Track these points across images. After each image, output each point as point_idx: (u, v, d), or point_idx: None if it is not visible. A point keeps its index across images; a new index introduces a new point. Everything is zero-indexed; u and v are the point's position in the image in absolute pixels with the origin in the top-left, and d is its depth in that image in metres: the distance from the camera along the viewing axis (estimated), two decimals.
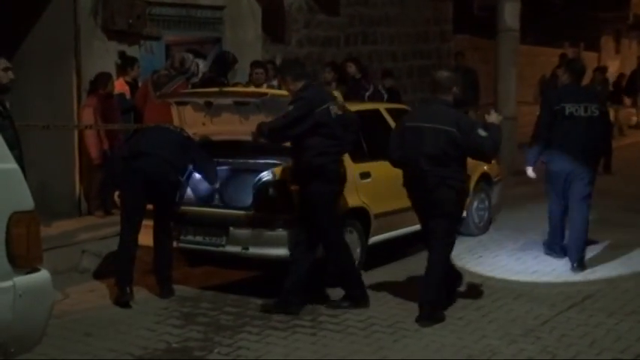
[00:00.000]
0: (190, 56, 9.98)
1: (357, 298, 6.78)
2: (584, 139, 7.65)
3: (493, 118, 6.60)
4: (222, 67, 10.68)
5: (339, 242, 6.84)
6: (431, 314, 6.34)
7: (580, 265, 7.70)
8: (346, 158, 7.65)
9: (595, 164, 8.08)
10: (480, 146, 6.38)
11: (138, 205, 6.91)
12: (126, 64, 10.04)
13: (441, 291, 6.52)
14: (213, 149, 7.69)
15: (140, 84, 10.13)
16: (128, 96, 9.99)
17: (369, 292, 7.15)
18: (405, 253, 8.47)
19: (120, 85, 9.91)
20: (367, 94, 11.51)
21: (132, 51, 10.23)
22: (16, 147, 5.78)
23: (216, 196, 7.71)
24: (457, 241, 8.37)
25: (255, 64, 10.76)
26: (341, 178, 6.82)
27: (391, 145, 6.76)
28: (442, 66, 15.97)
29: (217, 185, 7.54)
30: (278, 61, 12.07)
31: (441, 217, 6.49)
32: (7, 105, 5.94)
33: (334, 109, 6.71)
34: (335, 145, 6.68)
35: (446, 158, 6.41)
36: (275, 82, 10.62)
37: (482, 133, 6.37)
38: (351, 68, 11.94)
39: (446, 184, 6.41)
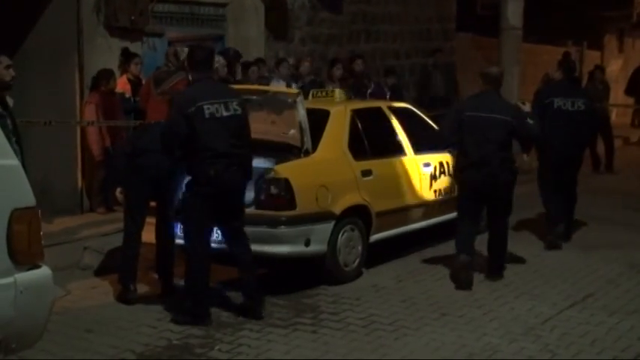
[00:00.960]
0: (185, 49, 9.80)
1: (197, 314, 6.32)
2: (571, 130, 8.62)
3: (527, 108, 7.74)
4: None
5: (196, 252, 6.36)
6: (500, 273, 7.54)
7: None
8: (348, 156, 7.69)
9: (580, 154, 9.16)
10: (530, 132, 7.52)
11: (141, 203, 6.91)
12: (127, 59, 10.01)
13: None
14: None
15: (144, 81, 10.11)
16: (128, 94, 9.91)
17: (372, 290, 7.18)
18: (407, 251, 8.46)
19: (122, 84, 9.85)
20: (369, 91, 11.53)
21: (134, 48, 10.22)
22: (16, 144, 5.79)
23: None
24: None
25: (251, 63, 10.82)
26: (212, 181, 6.20)
27: (445, 132, 7.72)
28: (445, 64, 16.05)
29: None
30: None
31: (504, 196, 7.45)
32: (10, 102, 5.93)
33: (212, 109, 6.21)
34: (204, 149, 6.19)
35: (505, 144, 7.37)
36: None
37: (530, 121, 7.47)
38: (359, 66, 11.95)
39: (507, 167, 7.37)
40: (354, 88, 10.84)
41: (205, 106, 6.20)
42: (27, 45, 9.77)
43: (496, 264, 7.61)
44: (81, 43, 9.75)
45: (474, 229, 7.49)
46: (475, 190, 7.38)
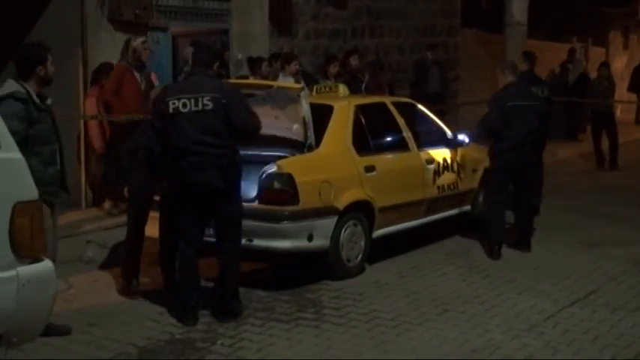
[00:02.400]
0: (139, 39, 9.41)
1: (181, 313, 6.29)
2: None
3: None
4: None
5: (181, 250, 6.42)
6: (530, 245, 8.47)
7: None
8: (352, 151, 7.68)
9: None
10: (549, 115, 9.00)
11: (146, 198, 6.91)
12: None
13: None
14: None
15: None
16: None
17: (374, 286, 7.17)
18: (410, 247, 8.46)
19: None
20: (363, 85, 11.54)
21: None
22: (55, 141, 5.77)
23: None
24: (463, 236, 8.41)
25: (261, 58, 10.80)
26: (179, 180, 6.18)
27: (492, 123, 8.34)
28: (450, 60, 16.02)
29: None
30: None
31: (534, 174, 8.77)
32: (49, 100, 5.85)
33: (179, 104, 6.08)
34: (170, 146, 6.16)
35: (536, 130, 8.40)
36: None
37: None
38: (355, 61, 11.98)
39: (537, 147, 8.85)
40: (348, 83, 10.79)
41: (171, 102, 6.10)
42: (31, 38, 9.75)
43: (525, 236, 8.52)
44: (85, 37, 9.75)
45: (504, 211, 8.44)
46: (514, 170, 8.27)
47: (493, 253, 8.16)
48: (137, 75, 9.17)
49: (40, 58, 5.71)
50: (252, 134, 6.41)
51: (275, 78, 10.32)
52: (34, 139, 5.52)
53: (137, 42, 9.23)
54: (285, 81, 10.23)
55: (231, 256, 6.36)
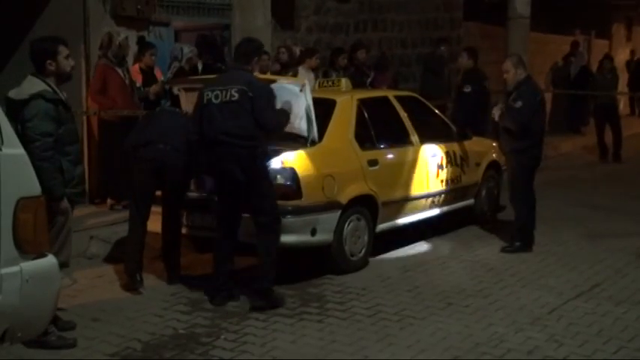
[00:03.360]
0: (122, 35, 9.36)
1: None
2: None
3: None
4: (214, 51, 10.64)
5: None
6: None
7: None
8: (354, 145, 7.68)
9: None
10: None
11: (146, 193, 6.92)
12: (141, 49, 9.95)
13: None
14: None
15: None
16: (139, 84, 9.84)
17: (377, 280, 7.17)
18: (413, 241, 8.47)
19: (134, 73, 9.74)
20: (369, 80, 11.52)
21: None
22: (76, 141, 5.77)
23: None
24: (466, 230, 8.42)
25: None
26: (207, 170, 6.67)
27: (528, 118, 8.06)
28: (453, 53, 15.95)
29: None
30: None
31: None
32: (63, 95, 5.78)
33: (211, 95, 6.43)
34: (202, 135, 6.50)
35: None
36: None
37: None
38: (363, 54, 11.94)
39: None
40: (355, 77, 10.79)
41: (205, 93, 6.47)
42: (33, 34, 9.71)
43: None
44: (87, 33, 9.72)
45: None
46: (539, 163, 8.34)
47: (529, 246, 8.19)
48: (119, 70, 9.18)
49: (49, 52, 5.60)
50: (272, 131, 6.64)
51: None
52: (63, 139, 5.51)
53: (122, 38, 9.23)
54: (307, 75, 10.24)
55: (265, 246, 6.53)
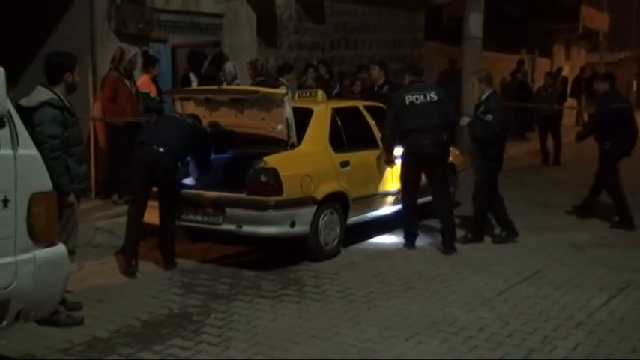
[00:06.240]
0: (132, 51, 9.31)
1: None
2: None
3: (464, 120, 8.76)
4: (220, 66, 10.63)
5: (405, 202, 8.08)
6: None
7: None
8: (329, 149, 7.69)
9: None
10: None
11: (142, 189, 6.88)
12: (147, 62, 9.87)
13: None
14: (213, 140, 7.68)
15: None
16: (153, 94, 9.72)
17: (348, 266, 7.18)
18: (379, 232, 8.48)
19: (146, 83, 9.66)
20: (334, 92, 11.54)
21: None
22: (80, 143, 5.72)
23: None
24: (426, 223, 8.42)
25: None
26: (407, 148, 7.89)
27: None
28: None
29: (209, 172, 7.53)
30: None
31: None
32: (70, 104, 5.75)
33: (411, 98, 7.73)
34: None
35: None
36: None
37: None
38: (322, 69, 12.03)
39: None
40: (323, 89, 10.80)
41: (406, 97, 7.72)
42: (46, 49, 9.64)
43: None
44: (94, 48, 9.67)
45: None
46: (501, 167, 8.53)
47: None
48: (127, 82, 9.15)
49: (69, 66, 5.60)
50: (453, 126, 8.08)
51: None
52: (69, 141, 5.46)
53: (132, 54, 9.19)
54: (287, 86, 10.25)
55: (443, 210, 7.86)
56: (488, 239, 8.29)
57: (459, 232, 8.20)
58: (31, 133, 5.07)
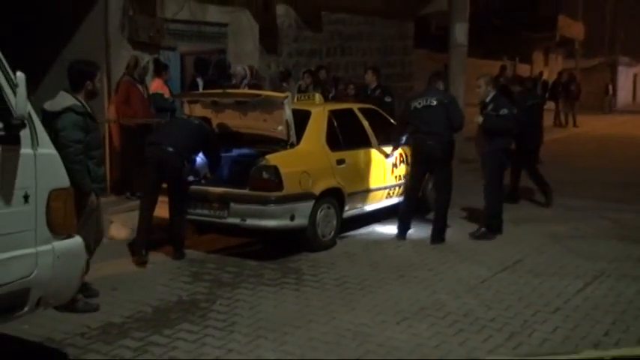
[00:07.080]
0: (145, 58, 9.41)
1: None
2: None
3: None
4: (222, 71, 10.62)
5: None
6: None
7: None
8: (326, 148, 7.68)
9: None
10: None
11: (152, 185, 6.87)
12: (159, 68, 9.83)
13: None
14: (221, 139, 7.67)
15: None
16: (167, 95, 9.71)
17: (344, 256, 7.18)
18: (372, 225, 8.47)
19: (159, 86, 9.63)
20: (331, 95, 11.53)
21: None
22: (100, 147, 5.71)
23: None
24: (416, 216, 8.39)
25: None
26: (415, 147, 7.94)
27: None
28: (405, 74, 16.02)
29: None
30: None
31: None
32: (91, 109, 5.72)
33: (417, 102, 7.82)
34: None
35: None
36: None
37: None
38: (322, 74, 12.01)
39: None
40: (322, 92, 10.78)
41: (412, 103, 7.85)
42: (64, 56, 9.66)
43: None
44: (108, 55, 9.67)
45: None
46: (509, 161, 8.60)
47: None
48: (140, 87, 9.14)
49: (90, 74, 5.55)
50: (458, 129, 7.80)
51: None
52: (89, 145, 5.44)
53: (145, 61, 9.21)
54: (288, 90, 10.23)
55: (440, 207, 7.80)
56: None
57: (472, 227, 8.20)
58: (54, 137, 5.08)
